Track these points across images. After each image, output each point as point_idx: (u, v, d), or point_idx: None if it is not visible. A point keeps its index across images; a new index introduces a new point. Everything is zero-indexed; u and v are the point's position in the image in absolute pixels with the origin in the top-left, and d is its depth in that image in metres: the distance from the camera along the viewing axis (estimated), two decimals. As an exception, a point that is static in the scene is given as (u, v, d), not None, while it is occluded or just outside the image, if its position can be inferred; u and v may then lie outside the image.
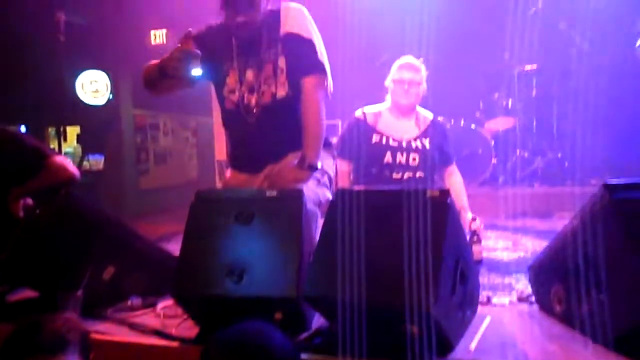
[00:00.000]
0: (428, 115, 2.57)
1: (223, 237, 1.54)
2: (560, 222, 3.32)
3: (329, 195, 1.90)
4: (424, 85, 2.52)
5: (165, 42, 5.73)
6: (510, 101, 4.55)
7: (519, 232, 3.12)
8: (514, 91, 4.47)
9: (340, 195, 1.52)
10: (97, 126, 6.11)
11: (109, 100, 5.84)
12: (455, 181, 2.52)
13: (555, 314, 1.55)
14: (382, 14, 4.88)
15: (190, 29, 1.74)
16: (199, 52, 1.69)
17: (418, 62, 2.53)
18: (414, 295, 1.25)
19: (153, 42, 5.75)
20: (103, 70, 5.67)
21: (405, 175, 2.42)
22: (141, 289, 1.94)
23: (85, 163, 6.42)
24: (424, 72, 2.52)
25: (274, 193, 1.59)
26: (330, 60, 1.96)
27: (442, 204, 1.37)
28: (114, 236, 1.94)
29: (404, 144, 2.44)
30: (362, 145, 2.44)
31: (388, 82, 2.51)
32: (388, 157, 2.42)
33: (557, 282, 1.54)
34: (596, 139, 4.35)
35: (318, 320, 1.55)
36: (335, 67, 2.45)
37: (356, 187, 2.02)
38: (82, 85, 5.77)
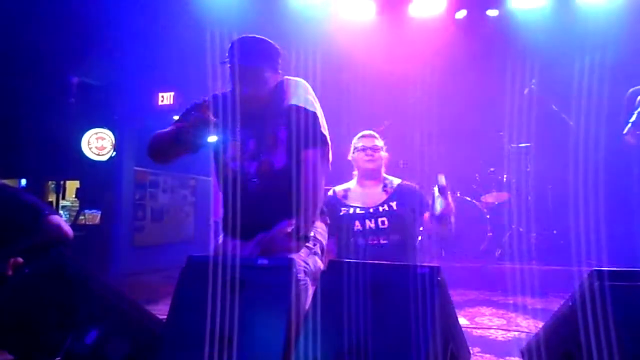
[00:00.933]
0: (396, 180, 2.66)
1: (211, 305, 1.51)
2: (555, 302, 3.30)
3: (320, 264, 1.89)
4: (385, 154, 2.68)
5: (172, 102, 5.94)
6: (505, 176, 4.63)
7: (513, 310, 3.07)
8: (508, 167, 4.56)
9: (331, 267, 1.51)
10: (96, 182, 6.17)
11: (111, 156, 5.94)
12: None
13: (550, 402, 1.50)
14: (384, 86, 5.08)
15: (205, 98, 1.81)
16: (216, 120, 1.75)
17: (376, 134, 2.72)
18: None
19: (160, 103, 5.95)
20: (109, 128, 5.81)
21: (381, 240, 2.46)
22: (124, 354, 1.88)
23: (81, 217, 6.42)
24: (382, 143, 2.70)
25: (265, 261, 1.58)
26: (332, 127, 2.04)
27: (433, 281, 1.36)
28: (101, 298, 1.90)
29: (371, 210, 2.53)
30: (335, 219, 2.51)
31: (351, 155, 2.65)
32: (357, 225, 2.51)
33: (550, 368, 1.50)
34: (589, 220, 4.39)
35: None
36: (336, 134, 2.56)
37: (347, 260, 2.02)
38: (89, 142, 5.89)
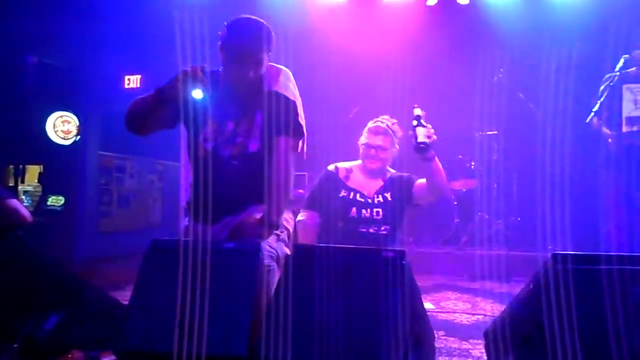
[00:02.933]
0: (391, 170, 2.63)
1: (175, 290, 1.48)
2: (518, 286, 3.39)
3: (287, 251, 1.88)
4: (396, 148, 2.56)
5: (139, 86, 5.77)
6: (473, 164, 4.71)
7: (478, 295, 3.14)
8: (476, 154, 4.63)
9: (297, 251, 1.51)
10: (60, 166, 5.98)
11: (75, 141, 5.76)
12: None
13: (510, 382, 1.54)
14: (354, 71, 5.07)
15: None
16: (203, 72, 1.70)
17: (390, 125, 2.56)
18: (366, 357, 1.22)
19: (126, 86, 5.78)
20: (73, 111, 5.62)
21: (372, 229, 2.43)
22: (85, 341, 1.84)
23: (46, 202, 6.22)
24: (396, 136, 2.57)
25: (230, 245, 1.56)
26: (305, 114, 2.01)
27: (397, 265, 1.37)
28: (62, 283, 1.86)
29: (369, 200, 2.47)
30: (330, 198, 2.46)
31: (360, 143, 2.57)
32: (354, 212, 2.45)
33: (511, 349, 1.53)
34: (554, 207, 4.52)
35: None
36: (307, 120, 2.52)
37: (313, 244, 2.02)
38: (54, 125, 5.70)
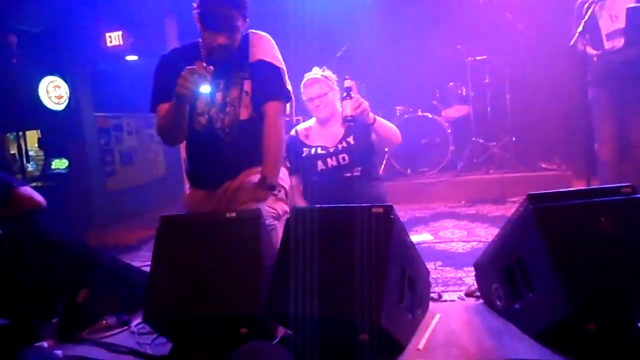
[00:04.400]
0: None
1: (188, 260, 1.64)
2: (512, 207, 3.56)
3: (286, 208, 2.02)
4: (335, 89, 2.66)
5: (121, 43, 5.68)
6: (464, 89, 4.73)
7: (474, 221, 3.31)
8: (467, 80, 4.64)
9: (295, 214, 1.63)
10: (58, 130, 6.04)
11: (68, 104, 5.77)
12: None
13: (497, 309, 1.72)
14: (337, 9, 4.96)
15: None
16: (207, 67, 1.74)
17: (320, 73, 2.67)
18: (364, 307, 1.38)
19: (109, 44, 5.69)
20: (61, 75, 5.59)
21: (345, 174, 2.58)
22: (115, 307, 2.03)
23: (51, 166, 6.33)
24: (330, 80, 2.67)
25: (233, 214, 1.69)
26: (290, 59, 2.08)
27: (386, 219, 1.49)
28: (82, 259, 2.01)
29: (331, 149, 2.61)
30: (298, 160, 2.61)
31: (304, 101, 2.68)
32: (321, 165, 2.61)
33: (496, 280, 1.70)
34: (545, 124, 4.60)
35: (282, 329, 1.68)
36: (295, 67, 2.57)
37: (308, 206, 2.16)
38: (47, 91, 5.69)
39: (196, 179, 2.13)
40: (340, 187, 2.56)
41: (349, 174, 2.57)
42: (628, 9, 2.76)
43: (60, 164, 6.39)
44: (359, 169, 2.56)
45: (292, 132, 2.78)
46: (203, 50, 1.98)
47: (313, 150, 2.66)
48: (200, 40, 2.00)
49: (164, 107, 1.92)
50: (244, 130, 1.99)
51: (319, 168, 2.62)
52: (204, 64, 1.73)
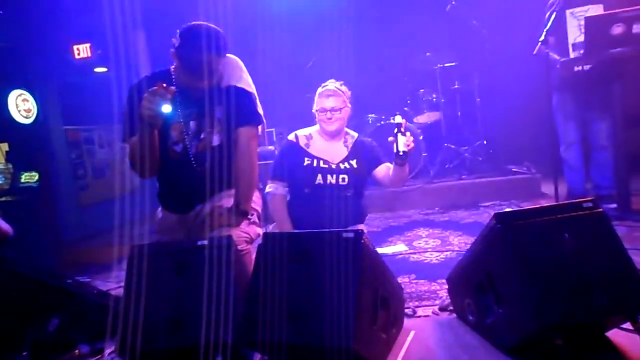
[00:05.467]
0: (354, 135, 2.71)
1: (160, 289, 1.62)
2: (485, 213, 3.63)
3: (259, 231, 2.02)
4: (348, 107, 2.63)
5: (89, 55, 5.59)
6: (435, 96, 4.80)
7: (448, 228, 3.36)
8: (437, 86, 4.71)
9: (265, 240, 1.64)
10: (26, 143, 5.90)
11: (36, 118, 5.64)
12: (388, 170, 2.61)
13: (469, 323, 1.75)
14: (306, 19, 4.98)
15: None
16: (169, 88, 1.72)
17: (338, 86, 2.62)
18: (336, 333, 1.39)
19: (77, 56, 5.59)
20: (28, 89, 5.46)
21: (340, 194, 2.56)
22: (88, 335, 1.99)
23: (20, 179, 6.17)
24: (346, 96, 2.63)
25: (204, 242, 1.68)
26: (260, 74, 2.06)
27: (356, 244, 1.51)
28: (53, 289, 1.97)
29: (334, 166, 2.57)
30: (295, 168, 2.55)
31: (314, 110, 2.63)
32: (319, 179, 2.53)
33: (468, 295, 1.73)
34: (514, 128, 4.71)
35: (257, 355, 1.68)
36: (265, 82, 2.56)
37: (280, 232, 2.15)
38: (16, 105, 5.56)
39: (167, 202, 2.12)
40: (330, 205, 2.51)
41: (343, 195, 2.55)
42: (586, 18, 2.85)
43: (29, 177, 6.23)
44: (352, 190, 2.55)
45: (291, 137, 2.68)
46: (176, 79, 1.96)
47: (316, 162, 2.58)
48: (172, 68, 1.98)
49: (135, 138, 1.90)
50: (216, 156, 1.98)
51: (317, 182, 2.54)
52: (164, 85, 1.72)
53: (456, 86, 4.74)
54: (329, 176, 2.54)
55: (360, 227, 2.52)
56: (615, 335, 1.54)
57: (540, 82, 3.14)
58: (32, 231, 4.56)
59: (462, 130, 4.79)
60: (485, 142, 4.71)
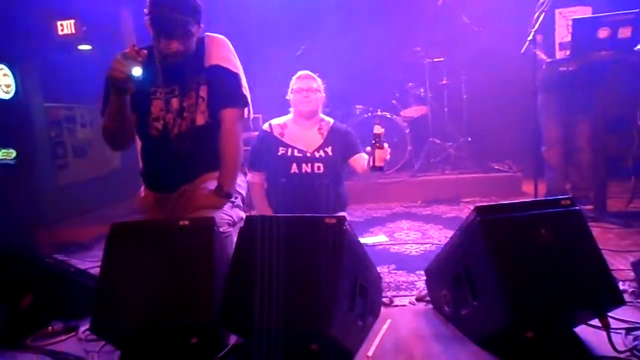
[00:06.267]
0: (330, 121, 2.73)
1: (138, 268, 1.60)
2: (465, 208, 3.67)
3: (242, 215, 2.01)
4: (323, 94, 2.69)
5: (74, 31, 5.47)
6: (423, 90, 4.82)
7: (429, 222, 3.39)
8: (425, 81, 4.73)
9: (247, 223, 1.63)
10: (4, 119, 5.77)
11: (16, 93, 5.51)
12: (363, 160, 2.59)
13: (445, 314, 1.78)
14: (297, 6, 4.94)
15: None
16: (140, 51, 1.67)
17: (314, 75, 2.70)
18: (314, 317, 1.40)
19: (60, 33, 5.46)
20: (8, 64, 5.32)
21: (315, 182, 2.58)
22: (62, 313, 1.97)
23: (-3, 156, 6.04)
24: (320, 83, 2.70)
25: (186, 222, 1.67)
26: (248, 60, 2.03)
27: (339, 230, 1.51)
28: (27, 265, 1.95)
29: (309, 154, 2.59)
30: (270, 157, 2.57)
31: (289, 95, 2.66)
32: (294, 168, 2.57)
33: (445, 287, 1.76)
34: (498, 126, 4.76)
35: (234, 337, 1.68)
36: (253, 67, 2.55)
37: (263, 215, 2.15)
38: (-2, 79, 5.41)
39: (151, 182, 2.09)
40: (308, 193, 2.54)
41: (319, 182, 2.56)
42: (574, 20, 2.88)
43: (6, 154, 6.10)
44: (330, 178, 2.56)
45: (265, 126, 2.71)
46: (157, 55, 1.93)
47: (290, 151, 2.61)
48: (153, 43, 1.95)
49: None
50: (200, 136, 1.97)
51: (292, 171, 2.57)
52: (137, 47, 1.69)
53: (444, 82, 4.76)
54: (304, 165, 2.57)
55: (341, 214, 2.54)
56: (582, 331, 1.58)
57: (526, 81, 3.17)
58: (8, 209, 4.48)
59: (448, 126, 4.83)
60: (469, 140, 4.75)
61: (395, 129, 4.51)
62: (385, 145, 2.25)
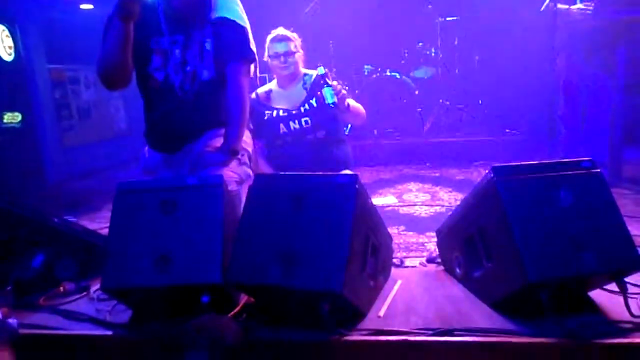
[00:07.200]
0: (312, 73, 2.68)
1: (147, 228, 1.58)
2: (476, 172, 3.62)
3: (250, 172, 1.98)
4: (300, 52, 2.64)
5: (76, -10, 5.33)
6: (433, 50, 4.69)
7: (438, 184, 3.36)
8: (437, 41, 4.59)
9: (256, 181, 1.60)
10: (8, 82, 5.71)
11: (17, 55, 5.42)
12: None
13: (456, 276, 1.76)
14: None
15: None
16: None
17: (289, 33, 2.62)
18: (326, 277, 1.38)
19: (64, -10, 5.33)
20: (7, 23, 5.21)
21: (308, 137, 2.56)
22: (72, 272, 1.97)
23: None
24: (297, 42, 2.63)
25: (194, 180, 1.63)
26: (256, 16, 1.99)
27: (351, 188, 1.48)
28: (37, 225, 1.93)
29: (294, 112, 2.58)
30: (259, 123, 2.56)
31: (266, 58, 2.61)
32: (283, 128, 2.57)
33: (457, 249, 1.73)
34: (512, 88, 4.64)
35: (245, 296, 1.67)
36: (261, 24, 2.48)
37: (272, 173, 2.12)
38: (2, 40, 5.32)
39: (155, 141, 2.05)
40: (305, 151, 2.53)
41: (312, 137, 2.54)
42: None
43: (12, 117, 6.07)
44: (323, 131, 2.54)
45: (252, 95, 2.70)
46: (162, 3, 1.86)
47: (275, 113, 2.60)
48: None
49: None
50: (205, 92, 1.91)
51: (282, 131, 2.57)
52: None
53: (456, 42, 4.62)
54: (291, 123, 2.56)
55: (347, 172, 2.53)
56: (597, 295, 1.55)
57: (542, 43, 3.07)
58: (15, 172, 4.48)
59: (459, 87, 4.72)
60: (480, 102, 4.65)
61: (405, 90, 4.42)
62: (335, 82, 2.35)
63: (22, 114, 5.82)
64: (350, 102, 2.49)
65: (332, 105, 2.31)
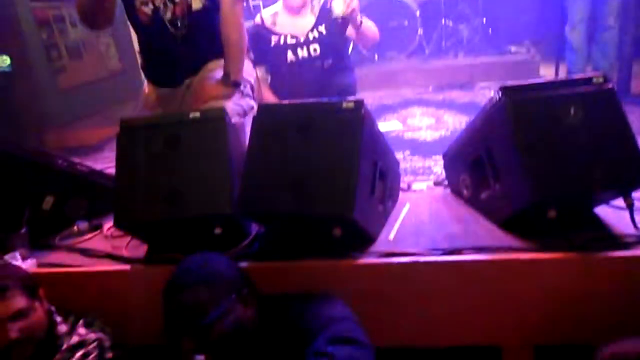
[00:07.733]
0: None
1: (153, 164, 1.58)
2: (480, 94, 3.56)
3: (252, 104, 1.95)
4: None
5: None
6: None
7: (442, 107, 3.31)
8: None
9: (262, 110, 1.57)
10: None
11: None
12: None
13: (463, 197, 1.78)
14: None
15: None
16: None
17: None
18: (336, 202, 1.39)
19: None
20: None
21: (316, 64, 2.49)
22: (84, 212, 2.00)
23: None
24: None
25: (197, 114, 1.60)
26: None
27: (357, 114, 1.45)
28: (44, 167, 1.93)
29: (302, 39, 2.47)
30: (265, 49, 2.46)
31: None
32: (290, 56, 2.48)
33: (464, 170, 1.73)
34: (517, 5, 4.44)
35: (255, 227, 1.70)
36: None
37: (276, 102, 2.07)
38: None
39: (154, 76, 2.00)
40: (311, 79, 2.47)
41: (320, 65, 2.46)
42: None
43: (1, 62, 5.90)
44: (330, 60, 2.46)
45: (257, 19, 2.58)
46: None
47: (282, 39, 2.50)
48: None
49: None
50: (198, 22, 1.84)
51: (289, 59, 2.49)
52: None
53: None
54: (299, 50, 2.47)
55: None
56: (601, 211, 1.56)
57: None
58: (13, 116, 4.42)
59: (461, 5, 4.52)
60: (484, 20, 4.48)
61: (405, 11, 4.25)
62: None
63: (11, 57, 5.66)
64: (363, 19, 2.38)
65: (341, 20, 2.18)
